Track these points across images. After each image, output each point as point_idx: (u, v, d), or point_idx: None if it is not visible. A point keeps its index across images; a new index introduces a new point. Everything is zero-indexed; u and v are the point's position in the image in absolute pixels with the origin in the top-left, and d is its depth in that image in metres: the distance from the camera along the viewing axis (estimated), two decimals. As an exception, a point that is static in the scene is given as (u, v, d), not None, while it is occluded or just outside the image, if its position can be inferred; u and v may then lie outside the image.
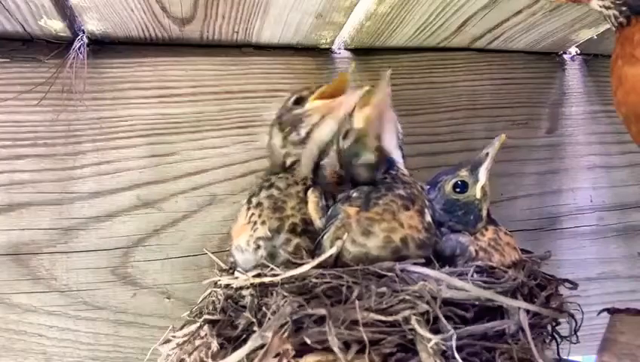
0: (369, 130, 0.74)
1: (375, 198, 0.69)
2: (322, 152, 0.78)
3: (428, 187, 0.77)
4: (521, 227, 1.02)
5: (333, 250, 0.66)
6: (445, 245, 0.71)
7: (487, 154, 0.76)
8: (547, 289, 0.71)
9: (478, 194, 0.75)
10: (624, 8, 0.68)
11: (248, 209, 0.74)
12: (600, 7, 0.69)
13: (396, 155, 0.76)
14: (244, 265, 0.73)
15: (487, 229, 0.75)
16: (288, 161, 0.78)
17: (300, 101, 0.79)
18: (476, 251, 0.71)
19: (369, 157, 0.74)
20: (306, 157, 0.77)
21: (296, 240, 0.71)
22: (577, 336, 0.72)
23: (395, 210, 0.68)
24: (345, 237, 0.67)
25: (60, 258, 0.88)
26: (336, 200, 0.73)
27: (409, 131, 0.90)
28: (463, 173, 0.76)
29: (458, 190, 0.75)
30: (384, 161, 0.74)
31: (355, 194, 0.71)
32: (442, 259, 0.70)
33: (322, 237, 0.70)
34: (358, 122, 0.75)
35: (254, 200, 0.74)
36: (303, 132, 0.77)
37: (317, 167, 0.78)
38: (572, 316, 0.72)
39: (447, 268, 0.67)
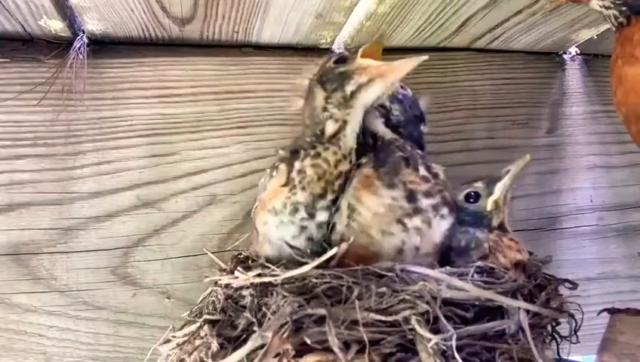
0: None
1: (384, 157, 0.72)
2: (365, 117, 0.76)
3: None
4: (521, 227, 1.02)
5: (334, 250, 0.66)
6: (462, 236, 0.73)
7: (509, 171, 0.76)
8: (547, 290, 0.71)
9: (489, 207, 0.76)
10: (624, 8, 0.67)
11: (290, 172, 0.72)
12: (600, 7, 0.69)
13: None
14: (276, 227, 0.73)
15: (491, 232, 0.75)
16: (330, 127, 0.74)
17: (343, 60, 0.76)
18: (490, 249, 0.72)
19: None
20: (353, 121, 0.74)
21: (323, 215, 0.71)
22: (577, 336, 0.72)
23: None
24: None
25: (60, 258, 0.88)
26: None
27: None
28: (479, 185, 0.77)
29: (471, 200, 0.76)
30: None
31: (364, 160, 0.74)
32: (456, 249, 0.71)
33: (338, 200, 0.72)
34: None
35: (297, 166, 0.72)
36: (348, 90, 0.73)
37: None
38: (572, 316, 0.72)
39: (447, 268, 0.67)
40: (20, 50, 0.91)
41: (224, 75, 0.98)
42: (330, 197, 0.72)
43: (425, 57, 0.71)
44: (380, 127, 0.77)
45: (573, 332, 0.72)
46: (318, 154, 0.73)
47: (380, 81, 0.73)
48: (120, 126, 0.93)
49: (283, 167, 0.74)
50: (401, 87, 0.79)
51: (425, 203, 0.70)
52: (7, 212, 0.87)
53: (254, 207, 0.79)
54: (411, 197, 0.69)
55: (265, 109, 0.97)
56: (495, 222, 0.76)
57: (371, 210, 0.69)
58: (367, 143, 0.78)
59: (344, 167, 0.73)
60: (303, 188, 0.71)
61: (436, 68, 1.06)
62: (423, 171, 0.72)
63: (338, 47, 1.02)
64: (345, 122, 0.74)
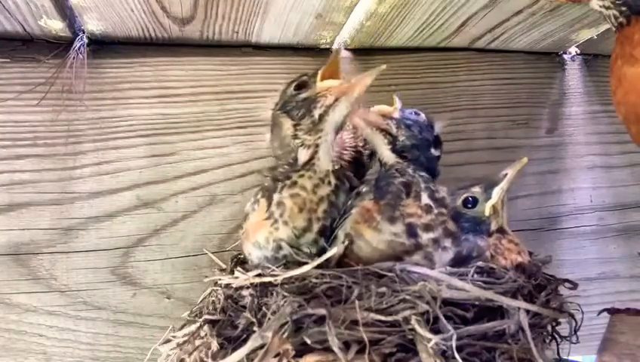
0: None
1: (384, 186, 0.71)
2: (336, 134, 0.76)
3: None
4: (521, 227, 1.02)
5: (334, 251, 0.66)
6: (463, 244, 0.72)
7: (506, 175, 0.76)
8: (547, 290, 0.71)
9: (487, 212, 0.75)
10: (624, 8, 0.67)
11: (269, 205, 0.72)
12: (600, 7, 0.69)
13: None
14: (260, 261, 0.72)
15: (491, 236, 0.75)
16: (303, 155, 0.74)
17: (303, 85, 0.76)
18: (492, 256, 0.72)
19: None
20: (325, 144, 0.74)
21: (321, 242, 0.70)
22: (577, 336, 0.72)
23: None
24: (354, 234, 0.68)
25: (60, 258, 0.88)
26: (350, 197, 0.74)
27: (409, 131, 0.90)
28: (476, 190, 0.76)
29: (469, 206, 0.75)
30: None
31: (364, 189, 0.73)
32: (457, 258, 0.70)
33: (336, 230, 0.71)
34: None
35: (276, 198, 0.71)
36: (316, 114, 0.73)
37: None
38: (572, 316, 0.72)
39: (447, 268, 0.67)
40: (20, 50, 0.91)
41: (224, 75, 0.98)
42: (316, 228, 0.71)
43: (383, 67, 0.72)
44: (385, 153, 0.75)
45: (573, 332, 0.72)
46: (294, 183, 0.72)
47: (344, 99, 0.73)
48: (120, 126, 0.93)
49: (263, 201, 0.73)
50: (415, 112, 0.78)
51: (425, 238, 0.68)
52: (7, 212, 0.87)
53: (241, 232, 0.78)
54: (411, 231, 0.68)
55: (265, 109, 0.97)
56: (494, 226, 0.75)
57: (371, 245, 0.68)
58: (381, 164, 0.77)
59: (324, 191, 0.72)
60: (285, 223, 0.70)
61: (436, 68, 1.06)
62: (425, 199, 0.70)
63: (338, 47, 1.02)
64: (317, 146, 0.74)
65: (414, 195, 0.70)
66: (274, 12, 0.87)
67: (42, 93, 0.90)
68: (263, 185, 0.76)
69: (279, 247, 0.71)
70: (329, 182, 0.73)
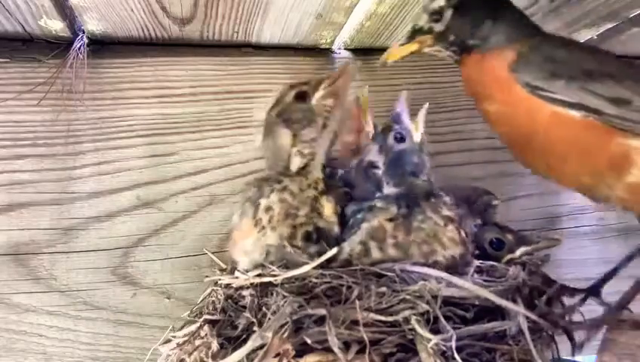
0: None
1: (419, 221, 0.69)
2: (332, 143, 0.77)
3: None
4: (521, 227, 1.01)
5: (334, 250, 0.66)
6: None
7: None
8: (548, 293, 0.71)
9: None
10: (454, 48, 0.75)
11: (256, 212, 0.71)
12: (435, 51, 0.76)
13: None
14: (249, 267, 0.72)
15: None
16: (297, 161, 0.74)
17: (303, 95, 0.76)
18: None
19: None
20: (320, 153, 0.75)
21: (313, 248, 0.69)
22: (582, 345, 0.72)
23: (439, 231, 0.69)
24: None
25: (60, 258, 0.88)
26: (355, 209, 0.73)
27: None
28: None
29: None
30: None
31: (379, 204, 0.71)
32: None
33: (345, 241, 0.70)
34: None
35: (263, 203, 0.71)
36: (320, 123, 0.75)
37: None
38: (570, 337, 0.71)
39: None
40: (20, 50, 0.91)
41: (224, 75, 0.98)
42: (300, 235, 0.70)
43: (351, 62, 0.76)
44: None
45: (572, 353, 0.72)
46: (284, 188, 0.72)
47: (338, 108, 0.75)
48: (120, 126, 0.93)
49: (250, 210, 0.72)
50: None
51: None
52: (7, 212, 0.87)
53: (230, 242, 0.77)
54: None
55: (260, 109, 0.97)
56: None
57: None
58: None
59: (308, 194, 0.72)
60: (273, 229, 0.70)
61: (436, 68, 1.06)
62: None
63: (338, 47, 1.02)
64: (313, 155, 0.74)
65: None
66: (274, 12, 0.87)
67: (42, 93, 0.90)
68: (247, 195, 0.75)
69: (268, 253, 0.70)
70: (315, 188, 0.73)
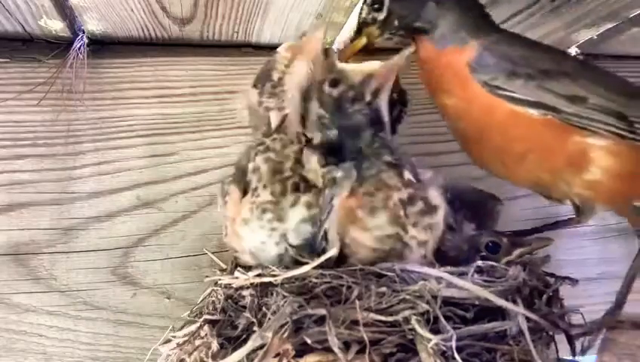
0: (365, 87, 0.74)
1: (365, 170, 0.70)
2: (305, 99, 0.77)
3: None
4: (522, 227, 1.01)
5: (333, 251, 0.66)
6: None
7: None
8: (547, 292, 0.71)
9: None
10: (401, 32, 0.76)
11: (243, 176, 0.73)
12: (386, 40, 0.77)
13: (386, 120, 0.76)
14: (251, 237, 0.72)
15: None
16: (274, 118, 0.76)
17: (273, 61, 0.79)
18: None
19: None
20: (292, 106, 0.76)
21: (304, 198, 0.71)
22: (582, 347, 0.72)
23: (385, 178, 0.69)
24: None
25: (60, 258, 0.88)
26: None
27: (409, 131, 0.90)
28: None
29: None
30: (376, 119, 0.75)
31: (339, 175, 0.69)
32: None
33: (324, 224, 0.69)
34: (355, 76, 0.74)
35: (250, 166, 0.73)
36: (275, 76, 0.77)
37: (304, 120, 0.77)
38: (571, 342, 0.71)
39: (447, 267, 0.67)
40: (20, 50, 0.91)
41: (224, 75, 0.98)
42: (290, 187, 0.71)
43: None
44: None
45: (573, 354, 0.72)
46: (267, 148, 0.74)
47: (300, 59, 0.76)
48: (120, 126, 0.93)
49: (233, 187, 0.74)
50: None
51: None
52: (7, 212, 0.87)
53: (223, 235, 0.77)
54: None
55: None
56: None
57: (361, 243, 0.68)
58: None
59: (292, 148, 0.74)
60: (264, 187, 0.72)
61: (436, 68, 1.06)
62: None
63: (338, 47, 1.02)
64: (283, 108, 0.76)
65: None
66: (274, 12, 0.87)
67: (42, 93, 0.90)
68: (223, 181, 0.77)
69: (264, 211, 0.70)
70: (299, 142, 0.75)
